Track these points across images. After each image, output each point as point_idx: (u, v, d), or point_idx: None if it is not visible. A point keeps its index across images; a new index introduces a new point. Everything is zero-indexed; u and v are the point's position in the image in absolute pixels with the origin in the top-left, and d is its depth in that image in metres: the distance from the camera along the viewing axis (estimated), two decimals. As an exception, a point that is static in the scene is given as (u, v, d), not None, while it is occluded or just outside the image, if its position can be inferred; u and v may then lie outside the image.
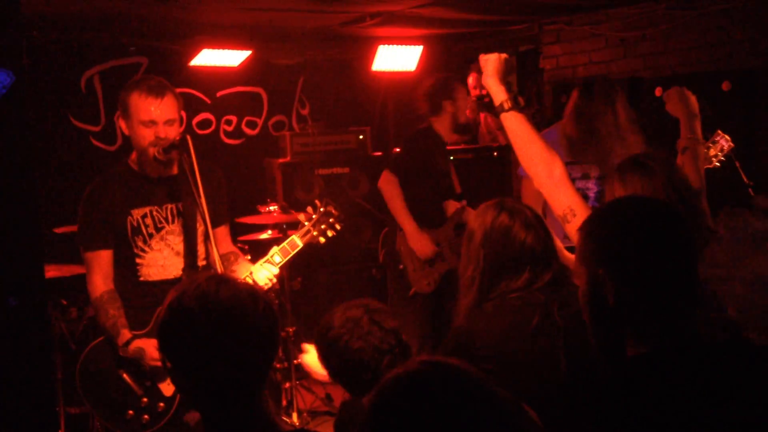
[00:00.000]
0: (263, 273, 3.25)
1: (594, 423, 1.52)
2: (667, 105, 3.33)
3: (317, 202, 3.41)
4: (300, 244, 3.32)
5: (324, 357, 2.34)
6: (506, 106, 2.43)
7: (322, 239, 3.38)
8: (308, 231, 3.36)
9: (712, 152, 3.64)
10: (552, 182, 2.34)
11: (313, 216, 3.37)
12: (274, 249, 3.33)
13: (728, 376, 1.53)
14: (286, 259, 3.31)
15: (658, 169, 2.49)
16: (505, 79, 2.50)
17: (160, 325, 1.78)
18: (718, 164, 3.64)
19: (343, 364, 2.28)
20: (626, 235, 1.62)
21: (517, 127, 2.42)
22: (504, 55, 2.52)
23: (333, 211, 3.38)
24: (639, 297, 1.61)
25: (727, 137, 3.67)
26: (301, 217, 3.38)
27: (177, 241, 3.29)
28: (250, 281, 3.21)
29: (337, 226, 3.40)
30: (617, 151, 3.54)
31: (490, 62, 2.50)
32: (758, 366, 1.57)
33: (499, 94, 2.46)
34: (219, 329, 1.70)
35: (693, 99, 3.30)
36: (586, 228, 1.71)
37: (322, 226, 3.37)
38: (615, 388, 1.56)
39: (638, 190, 2.39)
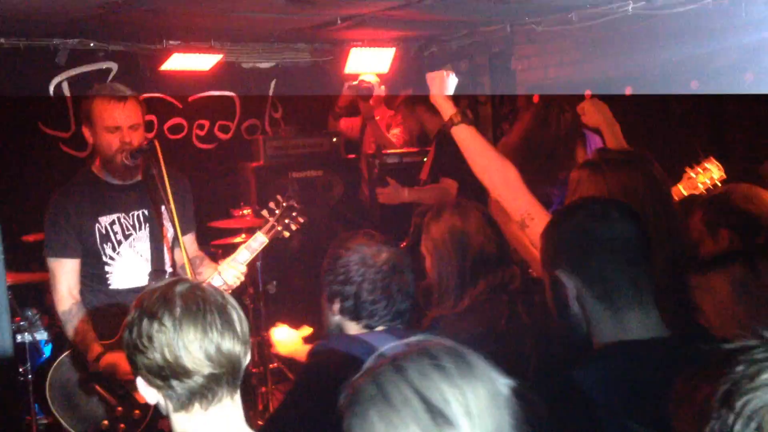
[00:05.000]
0: (231, 272, 3.26)
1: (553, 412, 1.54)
2: (583, 118, 3.37)
3: (279, 197, 3.44)
4: (265, 239, 3.35)
5: None
6: (456, 119, 2.50)
7: (286, 233, 3.43)
8: (272, 226, 3.39)
9: (700, 179, 3.60)
10: (508, 189, 2.39)
11: (276, 211, 3.41)
12: (241, 247, 3.34)
13: (672, 367, 1.56)
14: (253, 255, 3.33)
15: (639, 164, 2.49)
16: (451, 94, 2.59)
17: (123, 332, 1.76)
18: (704, 192, 3.59)
19: None
20: (577, 235, 1.66)
21: (468, 140, 2.49)
22: (450, 72, 2.63)
23: (295, 205, 3.43)
24: (596, 294, 1.64)
25: (719, 165, 3.61)
26: (264, 213, 3.43)
27: (145, 248, 3.28)
28: (220, 281, 3.21)
29: (300, 219, 3.44)
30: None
31: (437, 79, 2.60)
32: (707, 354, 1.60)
33: (448, 109, 2.54)
34: (183, 335, 1.68)
35: (606, 107, 3.35)
36: (545, 231, 1.76)
37: (286, 221, 3.41)
38: (572, 381, 1.58)
39: (618, 185, 2.39)
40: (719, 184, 3.64)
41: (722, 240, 3.22)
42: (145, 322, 1.71)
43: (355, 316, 2.20)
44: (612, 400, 1.50)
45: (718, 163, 3.64)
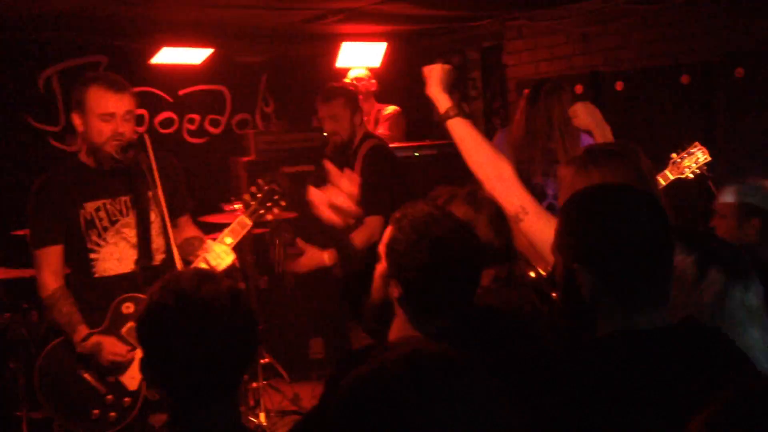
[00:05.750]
0: (213, 255, 3.25)
1: (557, 398, 1.54)
2: (575, 120, 3.41)
3: (260, 181, 3.43)
4: (248, 222, 3.35)
5: None
6: (451, 113, 2.51)
7: (269, 216, 3.42)
8: (255, 210, 3.39)
9: (686, 162, 3.67)
10: (502, 183, 2.39)
11: (258, 195, 3.40)
12: (225, 231, 3.34)
13: (680, 356, 1.56)
14: (237, 239, 3.33)
15: (631, 157, 2.50)
16: (448, 88, 2.59)
17: (138, 316, 1.77)
18: (691, 176, 3.68)
19: None
20: (604, 233, 1.61)
21: (463, 133, 2.50)
22: (447, 66, 2.63)
23: (276, 188, 3.41)
24: (613, 292, 1.62)
25: (704, 149, 3.69)
26: (246, 197, 3.41)
27: (132, 234, 3.26)
28: (204, 265, 3.21)
29: (282, 203, 3.43)
30: (557, 153, 3.63)
31: (434, 73, 2.60)
32: (708, 347, 1.60)
33: (443, 103, 2.55)
34: (193, 326, 1.68)
35: (597, 110, 3.41)
36: (563, 219, 1.71)
37: (268, 204, 3.41)
38: (577, 366, 1.59)
39: (603, 180, 2.39)
40: (705, 168, 3.69)
41: (750, 228, 3.25)
42: (155, 314, 1.72)
43: (415, 308, 1.94)
44: (614, 388, 1.51)
45: (702, 147, 3.70)
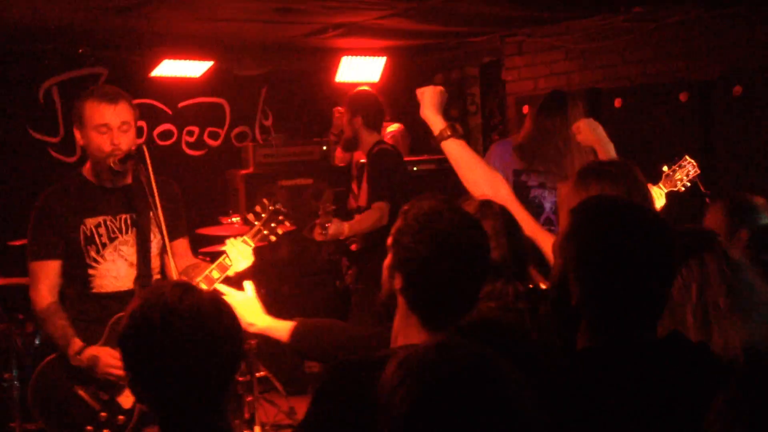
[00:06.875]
0: (234, 250, 3.20)
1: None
2: (578, 137, 3.43)
3: (265, 201, 3.37)
4: (251, 244, 3.28)
5: None
6: (445, 134, 2.55)
7: (272, 237, 3.34)
8: (259, 230, 3.32)
9: (677, 176, 3.76)
10: (498, 201, 2.39)
11: (262, 215, 3.35)
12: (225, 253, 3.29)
13: (663, 371, 1.56)
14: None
15: (621, 175, 2.51)
16: (441, 109, 2.63)
17: (121, 332, 1.75)
18: (682, 188, 3.77)
19: None
20: (600, 250, 1.61)
21: (458, 153, 2.55)
22: (440, 88, 2.67)
23: (281, 209, 3.35)
24: (598, 308, 1.63)
25: (693, 163, 3.78)
26: (250, 217, 3.35)
27: (130, 252, 3.25)
28: (205, 286, 3.17)
29: (287, 224, 3.36)
30: (569, 163, 3.62)
31: (427, 94, 2.64)
32: (692, 361, 1.61)
33: (437, 124, 2.59)
34: (179, 338, 1.67)
35: (600, 127, 3.43)
36: (570, 225, 1.69)
37: (272, 225, 3.34)
38: (565, 377, 1.60)
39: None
40: (697, 180, 3.77)
41: (737, 241, 3.27)
42: (138, 327, 1.70)
43: (414, 300, 1.87)
44: (592, 403, 1.51)
45: (692, 160, 3.75)
